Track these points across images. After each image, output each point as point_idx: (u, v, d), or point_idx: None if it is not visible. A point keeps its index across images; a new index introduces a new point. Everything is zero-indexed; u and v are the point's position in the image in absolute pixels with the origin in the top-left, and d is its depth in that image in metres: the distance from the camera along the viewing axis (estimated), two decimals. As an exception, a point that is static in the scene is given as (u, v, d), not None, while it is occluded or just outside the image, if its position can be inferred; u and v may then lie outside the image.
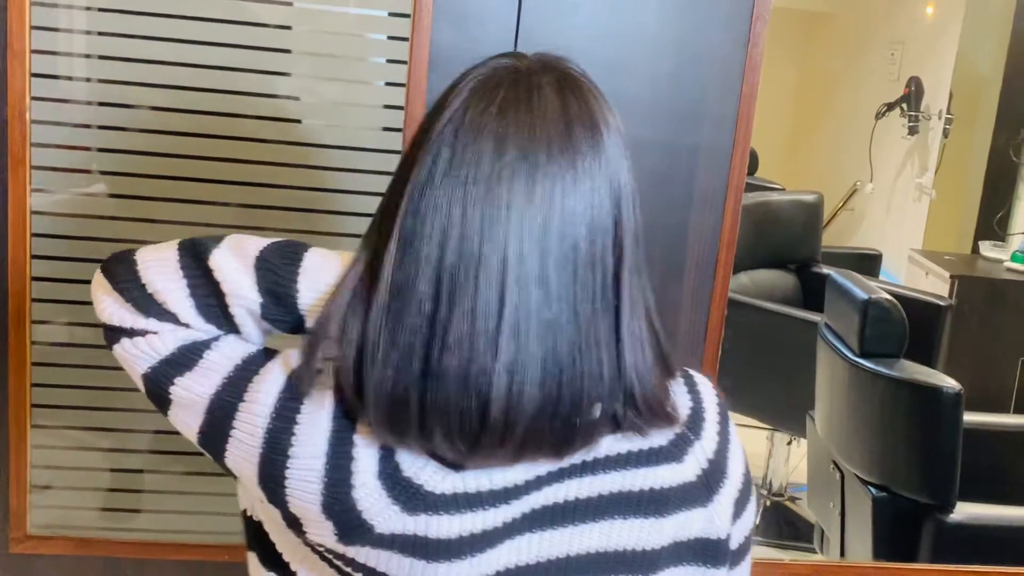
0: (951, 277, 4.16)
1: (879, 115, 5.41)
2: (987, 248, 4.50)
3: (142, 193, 1.69)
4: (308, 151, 1.71)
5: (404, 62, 1.67)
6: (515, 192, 0.86)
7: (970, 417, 2.94)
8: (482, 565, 0.92)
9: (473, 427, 0.87)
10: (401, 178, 0.91)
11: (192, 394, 0.95)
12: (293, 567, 0.98)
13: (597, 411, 0.91)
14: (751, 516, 1.06)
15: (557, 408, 0.88)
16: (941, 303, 3.72)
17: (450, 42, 1.68)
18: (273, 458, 0.91)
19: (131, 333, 0.96)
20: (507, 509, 0.93)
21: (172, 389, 0.95)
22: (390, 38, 1.70)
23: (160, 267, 0.97)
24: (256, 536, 1.01)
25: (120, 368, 0.99)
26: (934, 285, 4.26)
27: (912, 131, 5.18)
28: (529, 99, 0.89)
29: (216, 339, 0.97)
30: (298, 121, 1.72)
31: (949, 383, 2.53)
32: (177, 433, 1.48)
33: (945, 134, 5.02)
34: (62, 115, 1.65)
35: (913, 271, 4.60)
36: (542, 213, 0.87)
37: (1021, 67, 4.87)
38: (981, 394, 4.05)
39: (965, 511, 2.53)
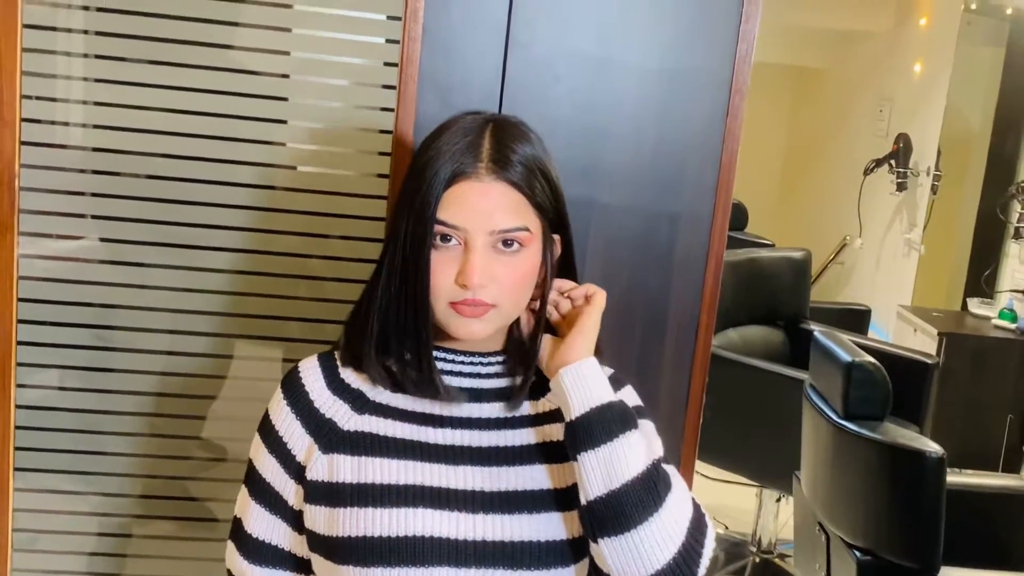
0: (939, 334, 4.18)
1: (868, 171, 5.45)
2: (975, 305, 4.52)
3: (132, 258, 1.71)
4: (301, 198, 1.73)
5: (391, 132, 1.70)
6: None
7: (956, 478, 2.95)
8: None
9: None
10: None
11: None
12: None
13: None
14: None
15: None
16: (928, 361, 3.73)
17: (435, 112, 1.70)
18: None
19: None
20: None
21: None
22: (382, 109, 1.71)
23: None
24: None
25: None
26: (923, 342, 4.28)
27: (901, 187, 5.22)
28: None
29: None
30: (293, 168, 1.74)
31: (932, 447, 2.53)
32: (160, 497, 1.49)
33: (934, 190, 5.05)
34: (51, 182, 1.67)
35: (902, 327, 4.61)
36: None
37: (1009, 125, 4.91)
38: (969, 451, 4.05)
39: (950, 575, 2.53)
